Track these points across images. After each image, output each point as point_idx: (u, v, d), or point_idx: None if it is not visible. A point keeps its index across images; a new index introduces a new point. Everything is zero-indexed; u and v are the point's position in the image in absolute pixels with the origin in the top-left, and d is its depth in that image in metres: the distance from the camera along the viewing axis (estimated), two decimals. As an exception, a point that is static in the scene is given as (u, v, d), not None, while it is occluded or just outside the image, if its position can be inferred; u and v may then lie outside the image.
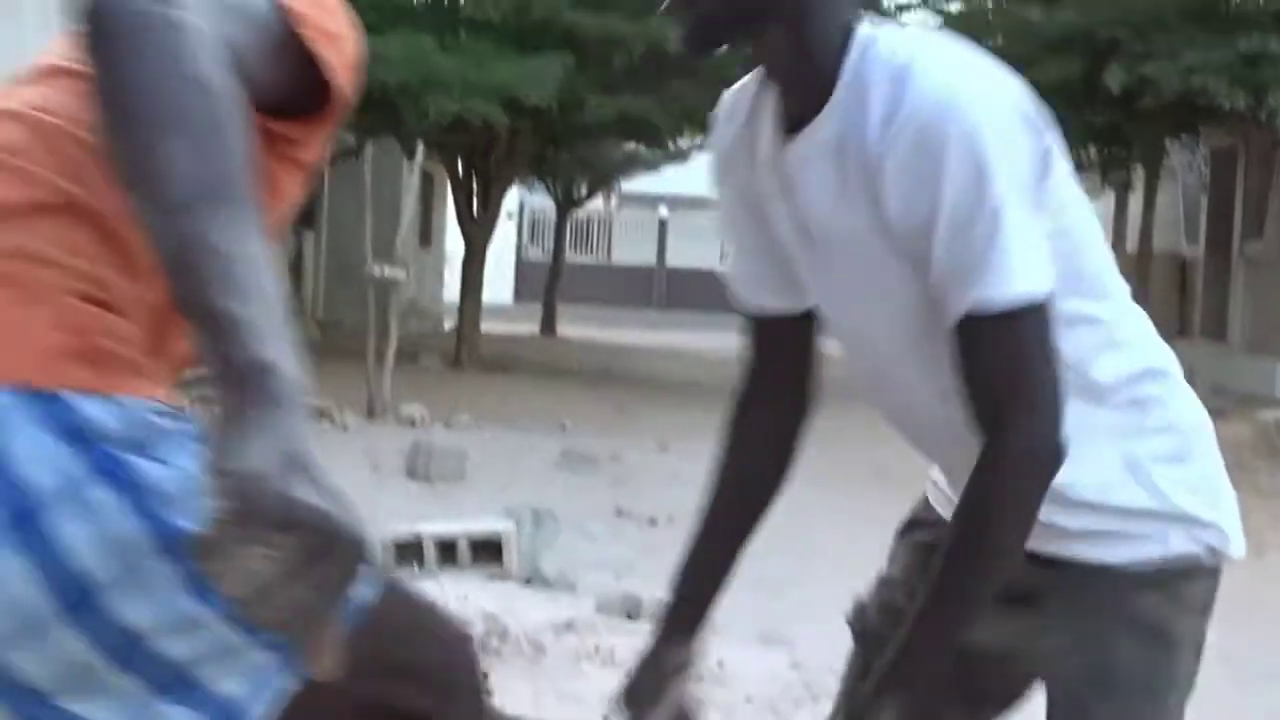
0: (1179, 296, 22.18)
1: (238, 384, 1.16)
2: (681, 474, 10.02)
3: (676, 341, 28.11)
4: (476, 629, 3.85)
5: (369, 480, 8.43)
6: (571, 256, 36.96)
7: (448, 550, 5.26)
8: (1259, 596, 7.51)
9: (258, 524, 1.14)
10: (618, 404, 14.45)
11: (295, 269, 19.59)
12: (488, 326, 19.79)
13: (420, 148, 13.30)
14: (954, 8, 19.67)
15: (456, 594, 4.48)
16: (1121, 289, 1.89)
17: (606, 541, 7.53)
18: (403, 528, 5.46)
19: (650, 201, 38.50)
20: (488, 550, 5.29)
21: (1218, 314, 20.55)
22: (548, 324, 27.06)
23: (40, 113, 1.42)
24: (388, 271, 11.49)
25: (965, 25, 19.38)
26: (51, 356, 1.31)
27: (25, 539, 1.27)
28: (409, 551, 5.25)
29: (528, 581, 5.37)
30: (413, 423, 10.84)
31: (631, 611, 5.00)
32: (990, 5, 19.03)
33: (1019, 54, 17.64)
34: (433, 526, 5.42)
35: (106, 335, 1.35)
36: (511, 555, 5.26)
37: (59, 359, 1.31)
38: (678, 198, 38.51)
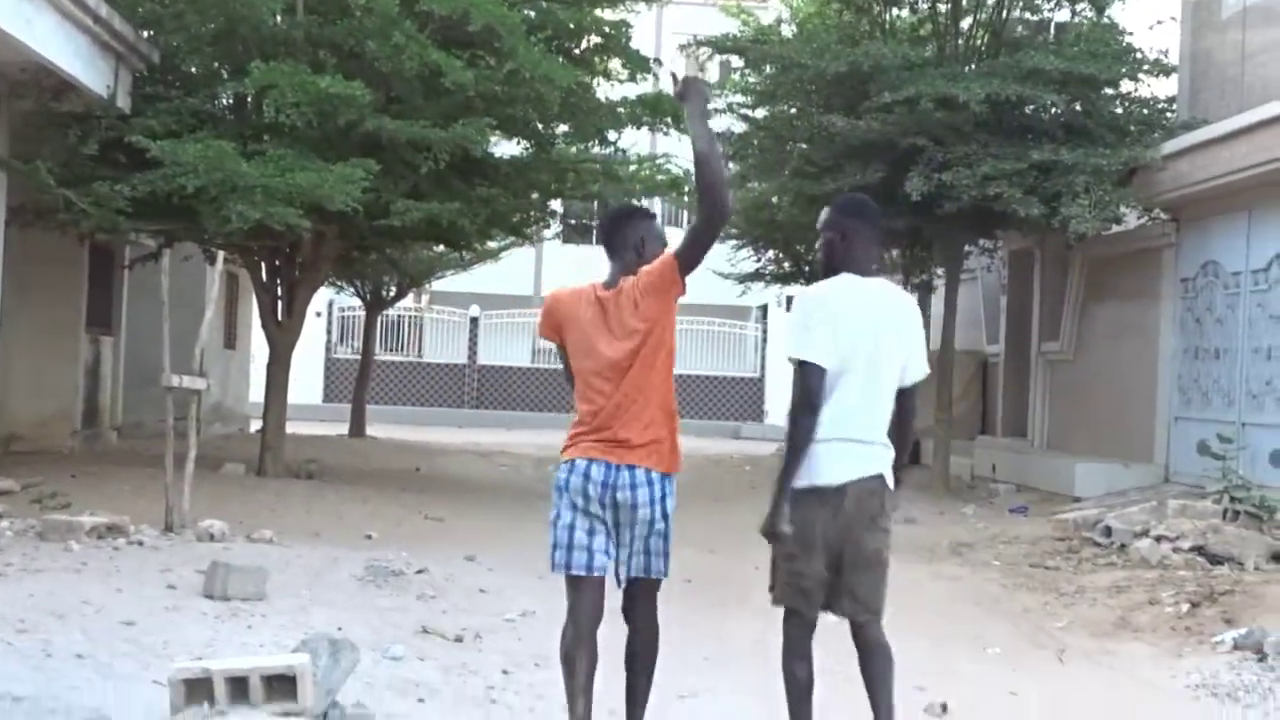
0: (981, 395, 22.69)
1: (702, 155, 5.16)
2: (489, 586, 9.91)
3: (487, 440, 27.96)
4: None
5: (164, 601, 8.14)
6: (382, 355, 36.61)
7: (240, 686, 5.06)
8: (1068, 700, 7.59)
9: None
10: (426, 511, 14.27)
11: (93, 374, 19.05)
12: (295, 428, 19.43)
13: (221, 254, 13.05)
14: (760, 114, 20.00)
15: (245, 740, 4.32)
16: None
17: (410, 662, 7.36)
18: (191, 664, 5.25)
19: (462, 300, 38.41)
20: (282, 684, 5.10)
21: (1018, 412, 21.03)
22: (356, 425, 26.70)
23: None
24: (186, 382, 11.17)
25: (770, 132, 19.75)
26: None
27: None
28: (199, 689, 5.04)
29: (324, 716, 5.19)
30: (212, 537, 10.52)
31: (432, 745, 4.86)
32: (794, 112, 19.35)
33: (822, 160, 18.03)
34: (223, 663, 5.20)
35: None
36: (306, 690, 5.07)
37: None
38: (489, 296, 38.46)
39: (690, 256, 5.25)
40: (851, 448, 5.18)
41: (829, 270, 5.39)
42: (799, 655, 5.31)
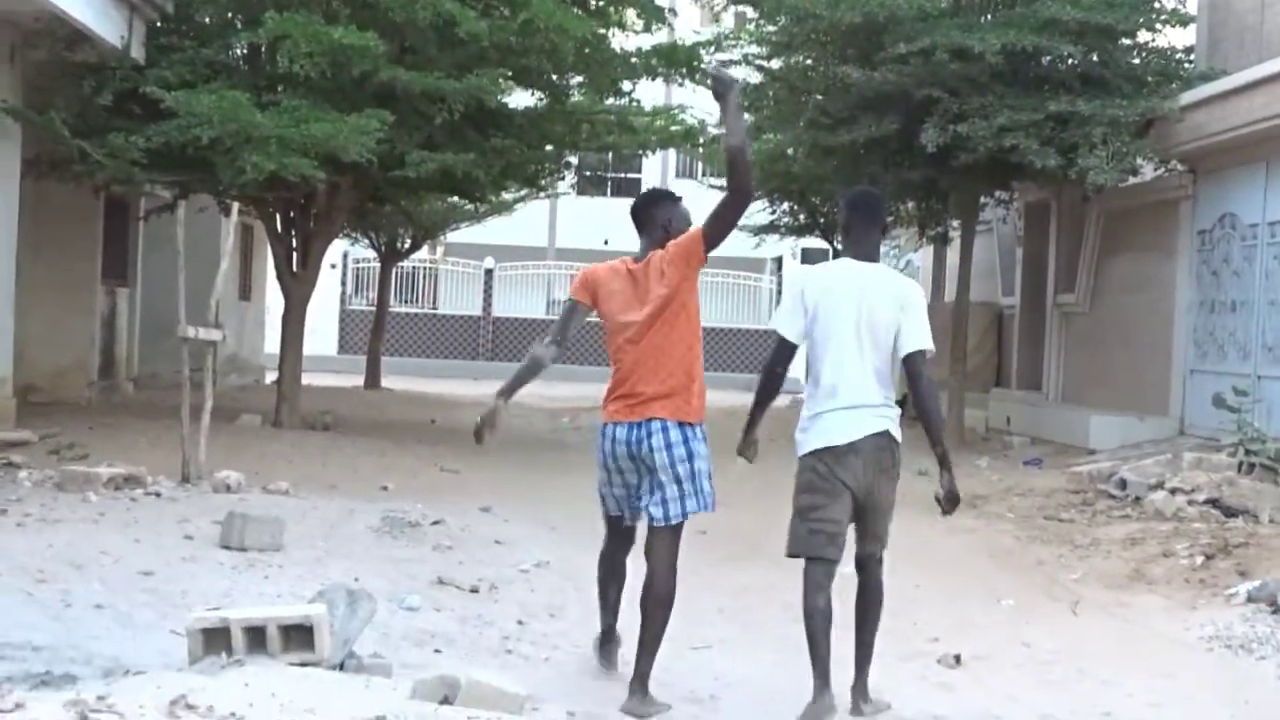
0: (996, 348, 22.65)
1: (735, 148, 5.92)
2: (504, 537, 9.95)
3: (503, 393, 27.95)
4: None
5: (182, 551, 8.18)
6: (397, 307, 36.63)
7: (257, 636, 5.08)
8: (1081, 651, 7.62)
9: None
10: (441, 463, 14.31)
11: (109, 325, 19.10)
12: (310, 379, 19.47)
13: (236, 205, 13.05)
14: (775, 65, 19.90)
15: (263, 690, 4.33)
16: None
17: (426, 613, 7.41)
18: (209, 614, 5.28)
19: (476, 252, 38.42)
20: (299, 635, 5.12)
21: (1033, 365, 21.00)
22: (371, 377, 26.75)
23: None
24: (202, 333, 11.19)
25: (785, 83, 19.65)
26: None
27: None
28: (217, 639, 5.07)
29: (340, 666, 5.22)
30: (229, 488, 10.56)
31: (448, 696, 4.87)
32: (809, 63, 19.25)
33: (837, 112, 17.94)
34: (240, 613, 5.22)
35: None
36: (323, 641, 5.09)
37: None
38: (504, 248, 38.45)
39: (715, 232, 5.98)
40: (855, 413, 5.90)
41: (839, 254, 6.37)
42: (819, 589, 5.90)
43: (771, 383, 6.13)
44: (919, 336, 5.96)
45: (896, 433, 5.98)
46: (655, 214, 6.25)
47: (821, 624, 5.88)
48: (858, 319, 5.92)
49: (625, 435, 6.06)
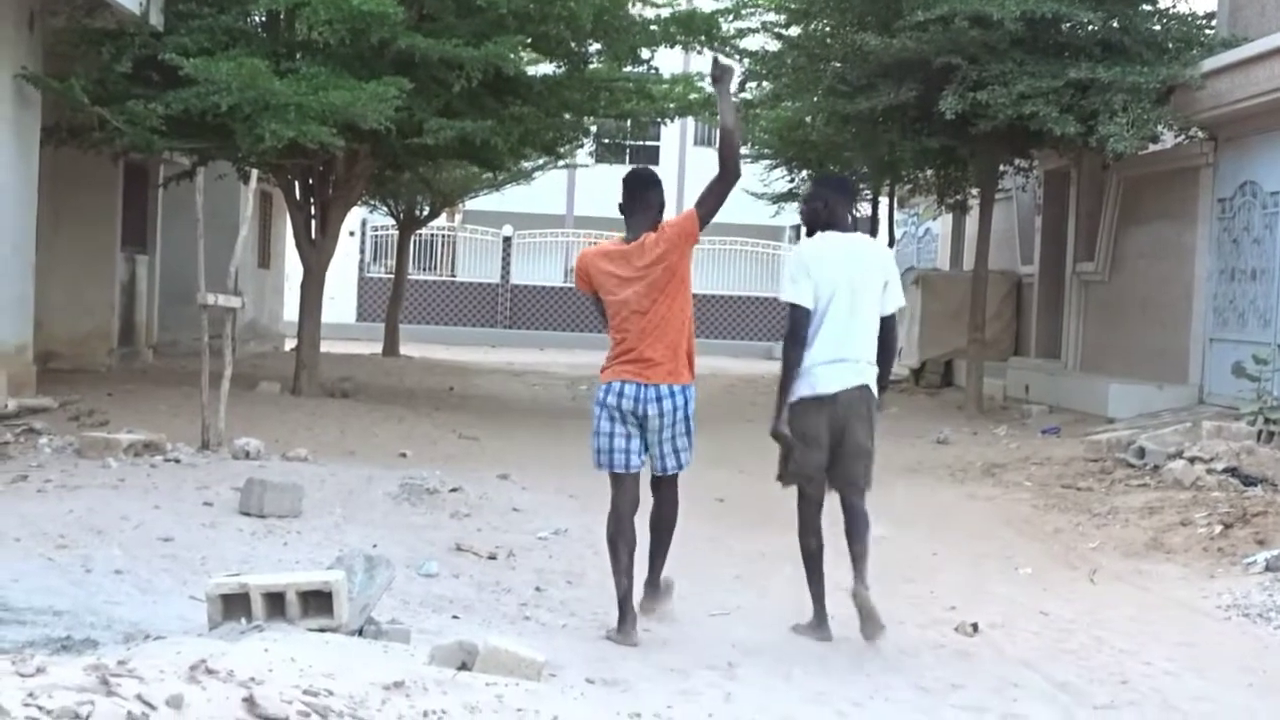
0: (1015, 316, 22.59)
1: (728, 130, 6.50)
2: (521, 505, 9.97)
3: (520, 360, 28.04)
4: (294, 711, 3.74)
5: (202, 518, 8.22)
6: (415, 274, 36.65)
7: (276, 601, 5.11)
8: (1099, 620, 7.63)
9: None
10: (459, 430, 14.33)
11: (129, 293, 19.15)
12: (329, 347, 19.52)
13: (255, 172, 13.05)
14: (793, 32, 19.84)
15: (282, 655, 4.35)
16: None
17: (444, 579, 7.44)
18: (229, 580, 5.30)
19: (494, 219, 38.40)
20: (318, 600, 5.15)
21: (1052, 334, 20.95)
22: (390, 344, 26.80)
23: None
24: (221, 300, 11.21)
25: (803, 50, 19.58)
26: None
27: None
28: (236, 604, 5.09)
29: (359, 632, 5.25)
30: (248, 455, 10.59)
31: (466, 661, 4.89)
32: (828, 30, 19.17)
33: (856, 79, 17.87)
34: (260, 579, 5.25)
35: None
36: (341, 606, 5.11)
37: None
38: (522, 215, 38.43)
39: (707, 210, 6.54)
40: (841, 366, 6.76)
41: (814, 229, 7.01)
42: (810, 530, 6.91)
43: (800, 350, 6.75)
44: (899, 298, 6.99)
45: (874, 387, 6.88)
46: (650, 196, 6.73)
47: (813, 558, 6.87)
48: (852, 286, 6.76)
49: (635, 393, 6.60)
